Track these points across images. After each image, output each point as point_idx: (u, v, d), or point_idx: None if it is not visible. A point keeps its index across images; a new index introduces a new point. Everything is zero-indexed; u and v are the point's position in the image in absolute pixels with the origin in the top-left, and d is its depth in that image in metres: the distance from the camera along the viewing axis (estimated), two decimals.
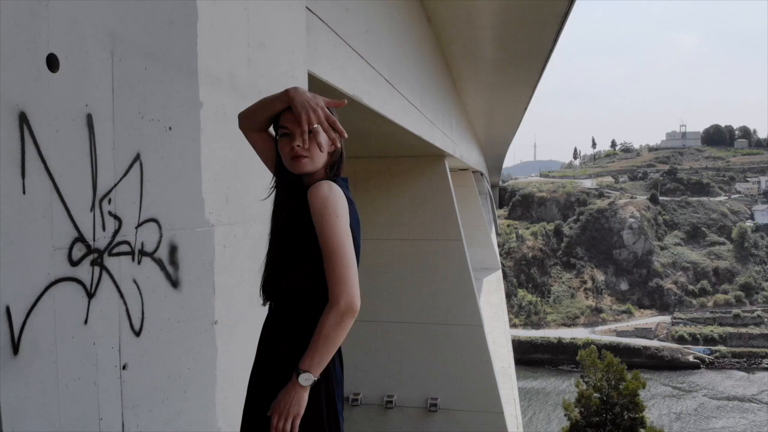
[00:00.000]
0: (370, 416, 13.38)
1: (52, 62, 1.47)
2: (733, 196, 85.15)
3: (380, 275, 12.79)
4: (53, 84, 1.46)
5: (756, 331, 64.05)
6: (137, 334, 1.68)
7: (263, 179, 2.47)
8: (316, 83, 4.19)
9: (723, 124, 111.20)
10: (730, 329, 64.03)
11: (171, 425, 1.82)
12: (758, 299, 68.49)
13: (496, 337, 23.84)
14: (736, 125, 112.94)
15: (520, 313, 66.25)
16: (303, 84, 3.01)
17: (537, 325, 64.67)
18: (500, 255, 66.23)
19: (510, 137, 36.82)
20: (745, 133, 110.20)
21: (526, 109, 23.24)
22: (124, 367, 1.62)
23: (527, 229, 77.64)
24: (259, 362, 1.79)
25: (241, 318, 2.28)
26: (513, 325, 62.36)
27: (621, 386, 28.41)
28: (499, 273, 33.78)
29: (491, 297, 29.19)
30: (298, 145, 1.67)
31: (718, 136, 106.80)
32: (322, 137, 1.69)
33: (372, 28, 5.87)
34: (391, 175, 13.17)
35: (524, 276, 71.22)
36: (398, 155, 12.76)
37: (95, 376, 1.51)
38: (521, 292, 68.12)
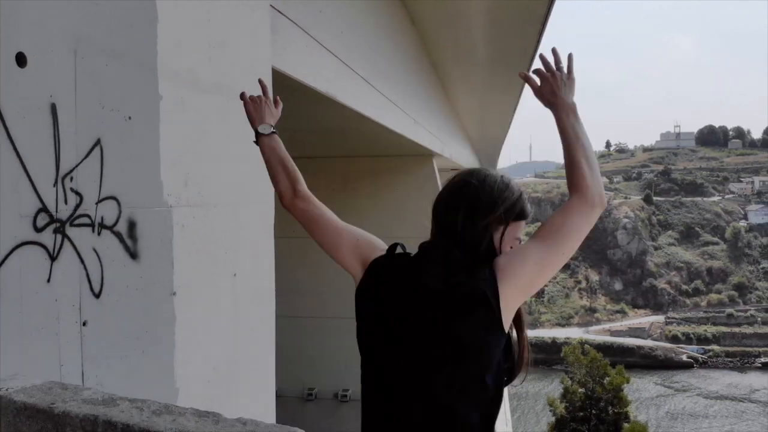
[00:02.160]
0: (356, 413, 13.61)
1: (21, 59, 1.72)
2: (726, 197, 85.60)
3: None
4: (21, 78, 1.72)
5: (749, 330, 64.39)
6: (97, 296, 1.93)
7: (221, 167, 2.72)
8: (286, 81, 4.43)
9: (717, 125, 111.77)
10: (724, 329, 64.36)
11: (129, 379, 2.07)
12: (751, 299, 68.88)
13: None
14: (730, 126, 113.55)
15: None
16: (267, 80, 3.24)
17: (531, 325, 64.93)
18: None
19: (502, 137, 37.03)
20: (739, 133, 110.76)
21: (515, 109, 23.50)
22: (84, 324, 1.87)
23: None
24: None
25: (199, 292, 2.53)
26: None
27: (605, 381, 28.81)
28: None
29: None
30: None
31: (712, 137, 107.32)
32: None
33: (348, 29, 6.11)
34: (379, 175, 13.40)
35: None
36: (385, 154, 12.98)
37: (57, 329, 1.76)
38: None
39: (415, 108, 10.72)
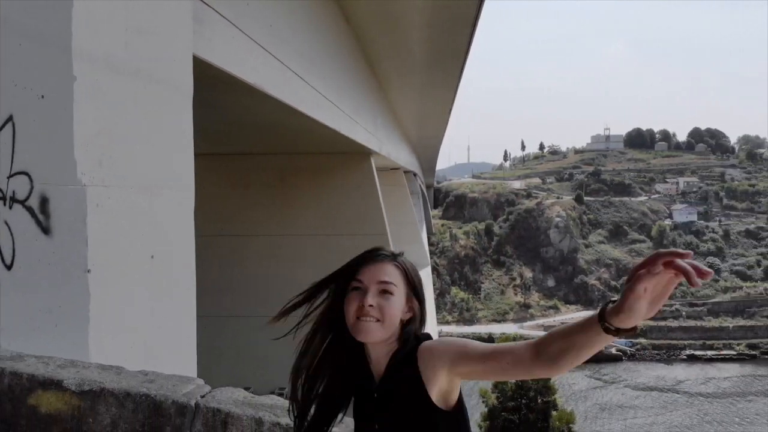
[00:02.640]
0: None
1: None
2: (653, 196, 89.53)
3: (307, 270, 13.02)
4: None
5: (675, 324, 67.57)
6: (8, 267, 1.97)
7: (138, 150, 2.77)
8: (212, 71, 4.48)
9: (644, 128, 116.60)
10: (650, 322, 67.17)
11: (42, 352, 2.10)
12: (676, 294, 72.03)
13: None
14: (656, 129, 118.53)
15: (453, 310, 67.65)
16: (188, 68, 3.30)
17: (469, 322, 66.24)
18: (435, 254, 67.61)
19: (440, 138, 37.59)
20: (665, 136, 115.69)
21: (450, 110, 23.94)
22: None
23: (460, 228, 79.38)
24: None
25: (115, 270, 2.58)
26: (446, 322, 63.62)
27: None
28: (429, 269, 34.48)
29: None
30: (371, 305, 1.42)
31: (639, 139, 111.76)
32: (397, 300, 1.45)
33: (278, 23, 6.16)
34: (317, 172, 13.41)
35: (457, 274, 72.78)
36: (323, 152, 13.02)
37: None
38: (454, 290, 69.59)
39: (351, 105, 10.78)
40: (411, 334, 1.46)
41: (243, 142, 12.02)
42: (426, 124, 27.89)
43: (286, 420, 1.37)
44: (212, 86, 5.26)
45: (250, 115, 7.97)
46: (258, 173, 13.32)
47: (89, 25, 2.44)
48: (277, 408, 1.45)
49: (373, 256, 1.50)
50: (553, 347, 1.28)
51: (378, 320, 1.41)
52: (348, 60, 10.66)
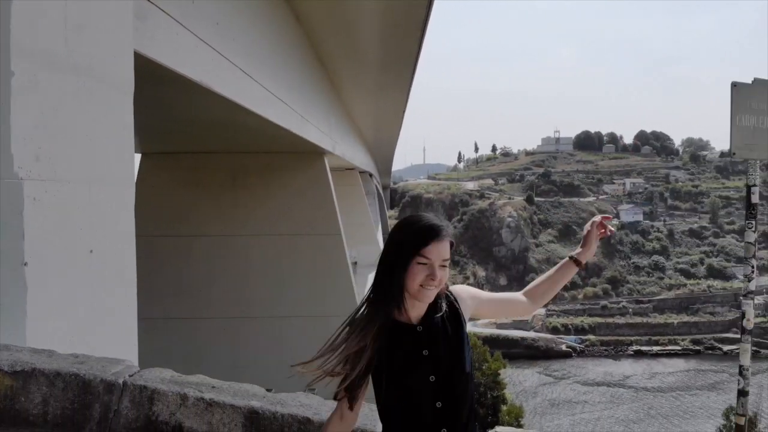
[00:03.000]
0: None
1: None
2: (600, 197, 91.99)
3: (260, 270, 12.91)
4: None
5: (622, 320, 69.52)
6: None
7: (76, 145, 2.80)
8: (156, 68, 4.48)
9: (593, 131, 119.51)
10: (599, 319, 69.06)
11: None
12: (623, 291, 74.30)
13: None
14: (604, 131, 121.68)
15: None
16: (128, 65, 3.32)
17: None
18: None
19: (395, 139, 37.73)
20: (613, 138, 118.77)
21: (404, 111, 24.04)
22: None
23: None
24: None
25: (53, 264, 2.60)
26: None
27: (484, 367, 30.44)
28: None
29: None
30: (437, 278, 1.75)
31: (588, 142, 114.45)
32: (448, 268, 1.81)
33: (224, 20, 6.14)
34: (271, 171, 13.31)
35: None
36: (275, 151, 12.94)
37: None
38: None
39: (302, 104, 10.74)
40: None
41: (193, 141, 11.88)
42: (381, 125, 27.92)
43: (210, 395, 1.46)
44: (158, 84, 5.24)
45: (198, 113, 7.92)
46: (209, 172, 13.15)
47: (28, 22, 2.46)
48: (202, 385, 1.54)
49: (438, 236, 1.75)
50: (539, 290, 2.06)
51: (436, 287, 1.74)
52: (300, 60, 10.64)
